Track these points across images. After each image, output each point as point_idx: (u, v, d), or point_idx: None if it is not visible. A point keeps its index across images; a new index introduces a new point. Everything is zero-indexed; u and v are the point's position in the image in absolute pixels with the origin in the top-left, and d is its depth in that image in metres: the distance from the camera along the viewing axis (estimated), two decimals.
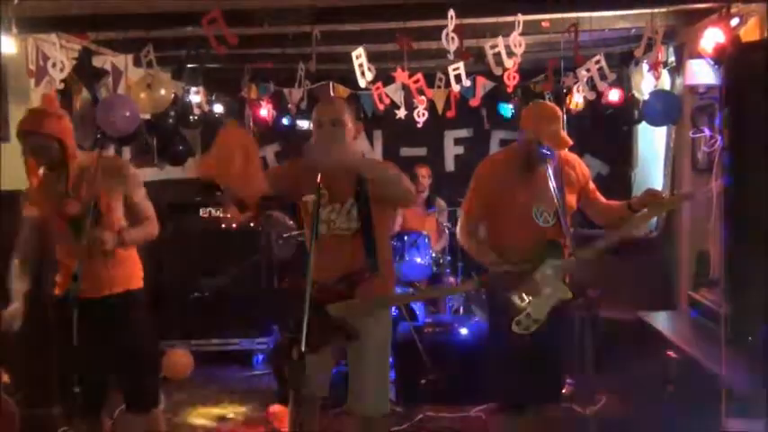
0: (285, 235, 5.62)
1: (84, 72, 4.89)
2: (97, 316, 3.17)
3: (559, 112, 3.36)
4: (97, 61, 5.14)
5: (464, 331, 4.88)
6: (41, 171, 3.26)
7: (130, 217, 3.32)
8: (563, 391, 3.94)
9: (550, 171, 3.13)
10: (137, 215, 3.33)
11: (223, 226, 6.06)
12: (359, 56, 4.50)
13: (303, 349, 2.41)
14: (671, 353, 3.93)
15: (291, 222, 5.76)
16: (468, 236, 3.45)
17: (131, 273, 3.38)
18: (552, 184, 3.10)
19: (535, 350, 3.31)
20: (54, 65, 4.26)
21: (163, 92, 5.15)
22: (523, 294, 3.26)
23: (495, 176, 3.40)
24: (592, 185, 3.59)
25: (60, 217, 3.15)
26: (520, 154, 3.39)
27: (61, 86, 4.51)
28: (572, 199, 3.47)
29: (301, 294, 3.01)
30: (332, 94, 5.39)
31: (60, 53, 4.31)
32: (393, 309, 5.35)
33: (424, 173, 6.46)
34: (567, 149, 3.47)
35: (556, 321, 3.33)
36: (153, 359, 3.60)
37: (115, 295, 3.27)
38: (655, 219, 5.98)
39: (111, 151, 5.26)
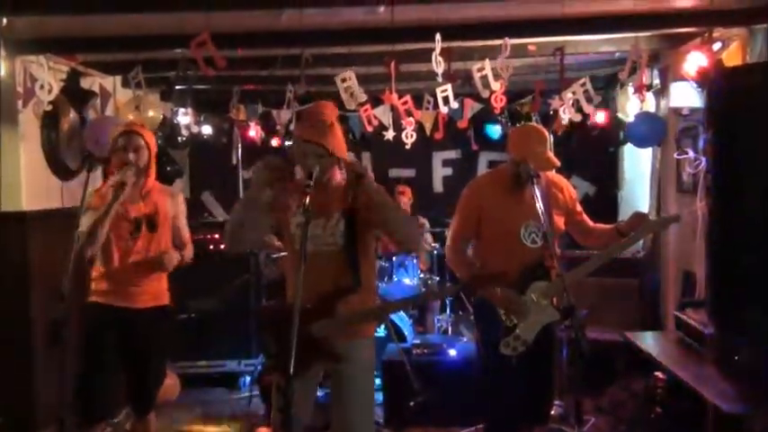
0: (273, 256, 5.61)
1: (73, 93, 4.89)
2: (133, 325, 3.52)
3: (546, 134, 3.40)
4: (85, 83, 5.14)
5: (453, 352, 4.87)
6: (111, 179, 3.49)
7: (173, 238, 3.73)
8: (551, 412, 3.95)
9: (537, 192, 3.15)
10: (178, 237, 3.75)
11: (211, 247, 6.04)
12: (344, 79, 4.53)
13: (291, 372, 2.38)
14: (658, 373, 3.94)
15: (279, 243, 5.75)
16: (457, 257, 3.46)
17: (164, 289, 3.73)
18: (539, 205, 3.12)
19: (524, 371, 3.32)
20: (42, 86, 4.25)
21: (151, 113, 5.15)
22: (512, 315, 3.28)
23: (483, 198, 3.42)
24: (579, 208, 3.62)
25: (125, 217, 3.50)
26: (507, 175, 3.41)
27: (49, 108, 4.51)
28: (559, 221, 3.49)
29: (277, 317, 2.98)
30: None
31: (48, 75, 4.30)
32: (378, 330, 5.39)
33: (405, 198, 6.51)
34: (554, 171, 3.51)
35: (544, 343, 3.34)
36: (165, 368, 3.92)
37: (151, 308, 3.60)
38: (641, 240, 6.02)
39: (99, 173, 5.24)
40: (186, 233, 3.81)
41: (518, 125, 3.73)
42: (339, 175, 2.97)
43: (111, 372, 3.52)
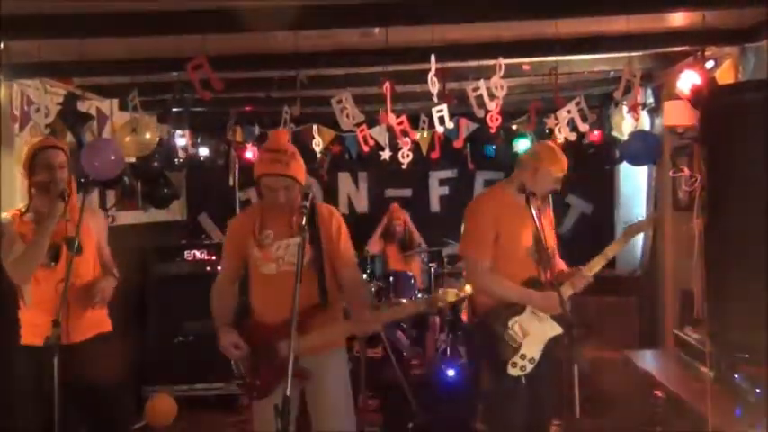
0: None
1: (69, 117, 4.90)
2: (75, 362, 3.11)
3: None
4: (82, 106, 5.16)
5: (451, 373, 4.84)
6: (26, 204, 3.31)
7: (99, 260, 3.46)
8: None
9: (534, 210, 3.21)
10: (105, 260, 3.49)
11: (208, 269, 6.02)
12: (340, 100, 4.55)
13: (288, 393, 2.39)
14: (657, 392, 3.92)
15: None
16: (495, 277, 3.37)
17: (100, 316, 3.43)
18: (538, 222, 3.18)
19: (527, 390, 3.31)
20: (38, 110, 4.27)
21: (148, 135, 5.15)
22: (519, 332, 3.28)
23: (499, 215, 3.39)
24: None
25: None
26: (513, 194, 3.39)
27: (47, 131, 4.51)
28: (551, 234, 3.53)
29: (244, 338, 3.04)
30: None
31: (45, 98, 4.32)
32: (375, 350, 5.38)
33: (400, 219, 6.54)
34: None
35: (543, 361, 3.33)
36: (125, 403, 3.65)
37: (91, 339, 3.32)
38: (639, 257, 6.02)
39: (95, 195, 5.23)
40: (109, 255, 3.52)
41: (542, 144, 3.69)
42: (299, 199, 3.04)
43: (69, 420, 3.14)
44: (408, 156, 5.22)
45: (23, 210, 3.33)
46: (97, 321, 3.39)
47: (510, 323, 3.28)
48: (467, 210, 3.49)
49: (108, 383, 3.31)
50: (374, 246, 6.64)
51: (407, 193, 7.51)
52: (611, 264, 5.89)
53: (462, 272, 7.30)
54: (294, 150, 3.01)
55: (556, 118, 5.01)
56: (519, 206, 3.35)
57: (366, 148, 5.30)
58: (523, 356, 3.24)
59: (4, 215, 3.33)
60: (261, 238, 3.03)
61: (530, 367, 3.25)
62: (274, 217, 2.98)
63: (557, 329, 3.32)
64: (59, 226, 3.21)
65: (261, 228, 3.04)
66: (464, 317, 3.51)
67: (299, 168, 2.98)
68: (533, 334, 3.28)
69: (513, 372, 3.24)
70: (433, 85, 4.19)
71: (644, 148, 5.33)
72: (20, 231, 3.23)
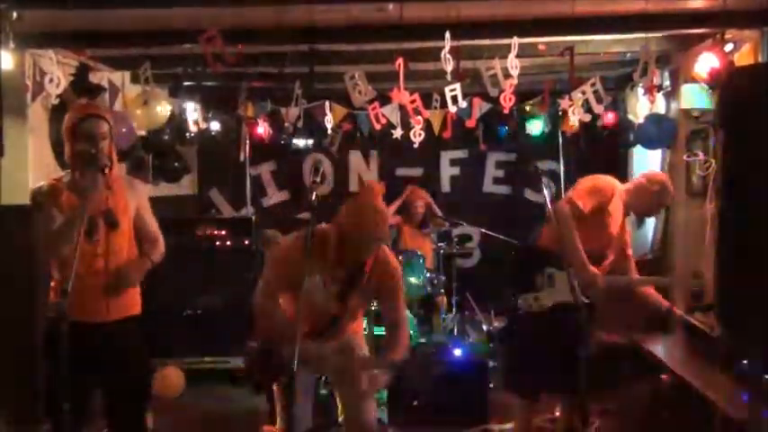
0: None
1: (81, 88, 4.89)
2: (93, 342, 3.05)
3: None
4: (94, 77, 5.15)
5: (458, 352, 4.84)
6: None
7: (138, 232, 3.31)
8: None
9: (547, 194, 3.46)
10: (146, 231, 3.33)
11: (218, 243, 6.03)
12: (352, 76, 4.52)
13: (295, 369, 2.42)
14: (665, 376, 3.91)
15: None
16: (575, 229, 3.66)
17: (133, 298, 3.32)
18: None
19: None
20: (51, 80, 4.26)
21: (159, 108, 5.15)
22: (547, 280, 3.62)
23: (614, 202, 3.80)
24: None
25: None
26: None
27: (57, 102, 4.51)
28: None
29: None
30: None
31: (57, 69, 4.31)
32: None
33: (421, 200, 6.52)
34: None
35: (542, 321, 3.58)
36: (144, 390, 3.44)
37: (113, 322, 3.18)
38: (650, 241, 5.98)
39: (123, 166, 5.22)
40: (154, 227, 3.37)
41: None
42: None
43: (85, 397, 3.12)
44: (420, 135, 5.19)
45: (63, 180, 3.19)
46: (129, 304, 3.28)
47: (547, 270, 3.59)
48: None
49: (133, 367, 3.26)
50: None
51: (418, 172, 7.49)
52: None
53: (471, 252, 7.39)
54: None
55: (570, 99, 4.96)
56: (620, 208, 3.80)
57: (378, 126, 5.27)
58: (537, 299, 3.55)
59: (41, 184, 3.19)
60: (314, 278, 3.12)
61: (534, 308, 3.54)
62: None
63: (558, 299, 3.57)
64: (99, 199, 3.06)
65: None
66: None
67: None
68: (553, 290, 3.56)
69: (521, 302, 3.57)
70: (447, 63, 4.14)
71: (659, 132, 5.28)
72: (57, 203, 3.08)
